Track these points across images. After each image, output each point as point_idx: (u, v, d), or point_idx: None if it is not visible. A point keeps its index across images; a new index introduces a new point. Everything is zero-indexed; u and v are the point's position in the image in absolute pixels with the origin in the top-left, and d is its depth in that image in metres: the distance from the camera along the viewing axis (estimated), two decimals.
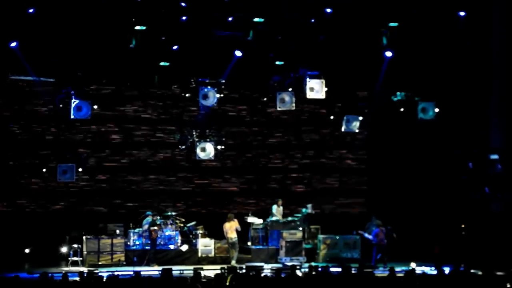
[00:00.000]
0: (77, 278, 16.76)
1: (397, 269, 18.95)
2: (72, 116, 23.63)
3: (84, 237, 24.18)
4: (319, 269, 17.97)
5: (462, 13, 23.97)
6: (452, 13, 23.95)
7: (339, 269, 17.75)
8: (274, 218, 26.12)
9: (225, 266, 21.35)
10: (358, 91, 27.56)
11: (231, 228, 24.33)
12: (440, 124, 25.38)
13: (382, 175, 28.19)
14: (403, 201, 27.04)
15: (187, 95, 26.13)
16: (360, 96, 27.47)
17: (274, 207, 26.49)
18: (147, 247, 24.59)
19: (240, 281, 15.60)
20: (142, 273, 17.78)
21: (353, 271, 16.89)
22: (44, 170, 25.73)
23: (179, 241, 25.20)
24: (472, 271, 17.15)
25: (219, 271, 18.93)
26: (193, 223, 25.73)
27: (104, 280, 15.80)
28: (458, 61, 25.09)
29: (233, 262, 23.73)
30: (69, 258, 23.80)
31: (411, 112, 25.18)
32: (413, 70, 25.23)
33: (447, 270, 17.14)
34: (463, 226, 25.98)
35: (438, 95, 25.10)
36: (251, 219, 26.03)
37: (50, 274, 16.28)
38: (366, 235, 24.56)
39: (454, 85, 25.53)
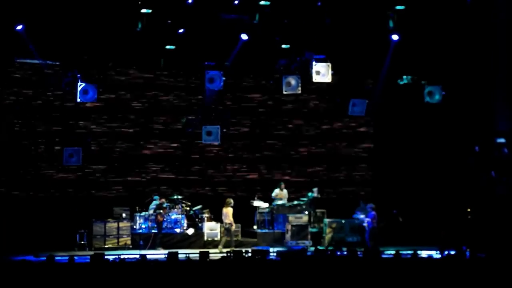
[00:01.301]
0: (86, 261, 16.81)
1: (403, 252, 18.94)
2: (78, 100, 23.65)
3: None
4: (328, 253, 18.01)
5: None
6: None
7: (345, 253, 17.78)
8: (279, 202, 26.13)
9: (230, 249, 21.38)
10: (364, 75, 27.46)
11: (226, 214, 24.35)
12: (446, 107, 25.32)
13: (388, 158, 28.14)
14: (409, 184, 27.01)
15: (192, 78, 26.10)
16: (366, 79, 27.37)
17: (276, 190, 26.46)
18: (153, 231, 24.66)
19: (246, 265, 15.64)
20: (148, 256, 17.87)
21: (359, 255, 16.92)
22: (50, 153, 25.72)
23: (185, 224, 25.26)
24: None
25: (225, 255, 18.96)
26: (199, 206, 25.79)
27: (110, 263, 15.83)
28: (465, 44, 24.98)
29: (220, 248, 23.72)
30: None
31: (418, 96, 25.14)
32: (419, 53, 25.14)
33: (452, 253, 17.15)
34: (469, 209, 25.97)
35: (444, 79, 25.02)
36: (256, 203, 26.06)
37: (57, 258, 16.33)
38: (362, 217, 24.51)
39: (461, 68, 25.44)
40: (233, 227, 24.42)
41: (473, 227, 24.74)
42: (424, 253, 20.26)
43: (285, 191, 26.54)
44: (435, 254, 20.55)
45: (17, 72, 25.90)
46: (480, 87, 25.77)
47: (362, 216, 24.50)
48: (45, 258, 16.42)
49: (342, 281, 14.43)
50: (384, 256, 19.84)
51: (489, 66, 25.44)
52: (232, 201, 24.65)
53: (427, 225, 25.30)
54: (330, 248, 23.06)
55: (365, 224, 24.12)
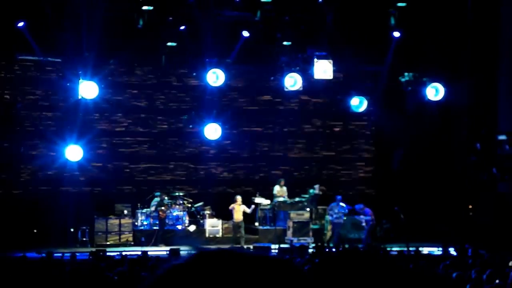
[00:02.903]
0: (87, 257, 16.83)
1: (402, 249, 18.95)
2: (79, 96, 23.66)
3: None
4: (326, 249, 18.03)
5: None
6: None
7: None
8: (281, 199, 26.12)
9: (234, 246, 21.39)
10: (366, 72, 27.44)
11: (234, 210, 24.32)
12: (448, 104, 25.34)
13: (389, 155, 28.10)
14: (411, 182, 26.98)
15: (193, 74, 26.10)
16: (368, 76, 27.36)
17: (276, 187, 26.42)
18: (155, 227, 24.67)
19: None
20: (150, 253, 17.89)
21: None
22: (52, 149, 25.73)
23: (187, 221, 25.27)
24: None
25: None
26: (200, 203, 25.79)
27: (112, 260, 15.85)
28: (467, 41, 24.98)
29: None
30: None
31: (419, 93, 25.17)
32: (421, 50, 25.15)
33: (452, 250, 17.17)
34: (470, 206, 25.98)
35: (446, 76, 25.04)
36: (258, 200, 26.03)
37: (58, 254, 16.36)
38: (362, 216, 24.56)
39: (462, 66, 25.44)
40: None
41: (475, 225, 24.76)
42: (426, 250, 20.27)
43: (284, 188, 26.50)
44: (437, 251, 20.55)
45: (18, 69, 25.88)
46: (482, 85, 25.78)
47: (361, 216, 24.55)
48: (45, 254, 16.44)
49: (341, 277, 14.44)
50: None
51: (490, 63, 25.46)
52: (238, 197, 24.59)
53: (429, 223, 25.28)
54: (331, 244, 23.11)
55: (364, 224, 24.18)
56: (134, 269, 14.15)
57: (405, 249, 18.58)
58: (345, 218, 25.51)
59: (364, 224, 24.22)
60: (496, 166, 25.18)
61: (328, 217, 24.83)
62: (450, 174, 26.39)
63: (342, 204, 24.67)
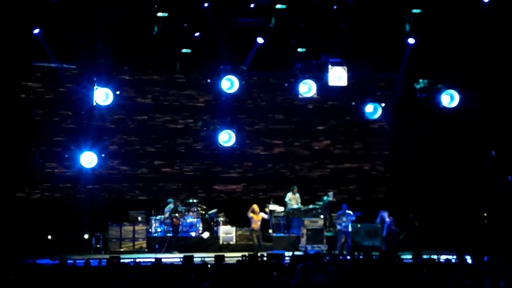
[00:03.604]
0: (102, 264, 16.82)
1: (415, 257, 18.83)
2: (94, 103, 23.72)
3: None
4: (340, 257, 17.95)
5: (486, 0, 23.70)
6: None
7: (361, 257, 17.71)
8: (294, 206, 26.08)
9: (246, 253, 21.34)
10: (380, 78, 27.38)
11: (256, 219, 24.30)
12: (463, 111, 25.22)
13: (404, 162, 28.00)
14: (426, 189, 26.88)
15: (208, 80, 26.13)
16: (382, 83, 27.29)
17: (289, 194, 26.38)
18: (168, 234, 24.66)
19: (261, 269, 15.60)
20: (163, 260, 17.86)
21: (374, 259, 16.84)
22: (66, 156, 25.80)
23: (201, 228, 25.26)
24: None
25: (240, 258, 18.93)
26: (214, 210, 25.77)
27: (126, 267, 15.84)
28: (482, 47, 24.86)
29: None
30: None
31: (434, 100, 25.07)
32: (436, 57, 25.05)
33: (469, 258, 17.05)
34: (485, 214, 25.84)
35: (461, 83, 24.93)
36: (272, 207, 26.00)
37: (71, 261, 16.36)
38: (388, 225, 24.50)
39: (477, 72, 25.32)
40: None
41: (490, 232, 24.62)
42: (441, 258, 20.13)
43: (297, 195, 26.46)
44: (452, 259, 20.41)
45: (33, 76, 25.96)
46: (497, 91, 25.65)
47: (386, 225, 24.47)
48: (58, 261, 16.44)
49: (358, 285, 14.39)
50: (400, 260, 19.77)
51: (506, 69, 25.32)
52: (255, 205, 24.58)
53: (444, 230, 25.17)
54: (344, 252, 23.03)
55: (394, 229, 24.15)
56: (147, 276, 14.15)
57: (419, 257, 18.44)
58: (359, 225, 25.46)
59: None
60: (511, 173, 25.05)
61: (337, 226, 24.75)
62: (465, 181, 26.26)
63: (348, 211, 24.60)
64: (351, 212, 24.61)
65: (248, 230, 24.60)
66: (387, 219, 24.76)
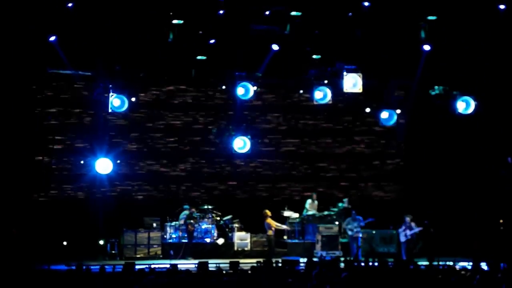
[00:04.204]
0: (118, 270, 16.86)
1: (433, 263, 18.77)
2: (109, 110, 23.81)
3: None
4: (355, 264, 17.92)
5: (502, 6, 23.62)
6: (492, 6, 23.64)
7: (376, 264, 17.67)
8: (310, 212, 26.09)
9: (261, 259, 21.32)
10: (396, 85, 27.32)
11: (269, 224, 24.35)
12: (479, 118, 25.14)
13: (420, 169, 27.94)
14: (441, 196, 26.80)
15: (223, 87, 26.18)
16: (398, 90, 27.23)
17: (308, 201, 26.43)
18: (183, 240, 24.70)
19: (276, 275, 15.61)
20: (178, 266, 17.88)
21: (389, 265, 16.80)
22: (82, 162, 25.88)
23: (215, 234, 25.27)
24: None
25: (255, 265, 18.92)
26: (229, 216, 25.80)
27: (141, 273, 15.87)
28: (498, 54, 24.78)
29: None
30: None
31: (449, 106, 25.00)
32: (451, 64, 24.99)
33: (484, 265, 16.97)
34: (501, 221, 25.72)
35: (477, 89, 24.85)
36: (287, 213, 26.03)
37: (85, 267, 16.40)
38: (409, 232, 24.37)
39: (494, 79, 25.24)
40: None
41: (506, 238, 24.50)
42: (457, 265, 20.04)
43: (316, 202, 26.47)
44: (468, 266, 20.33)
45: (49, 83, 26.11)
46: None
47: (407, 231, 24.31)
48: (75, 267, 16.49)
49: None
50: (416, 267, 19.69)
51: None
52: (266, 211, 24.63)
53: (460, 237, 25.07)
54: (361, 259, 22.95)
55: (404, 238, 24.04)
56: (162, 282, 14.17)
57: (435, 263, 18.38)
58: (374, 231, 25.41)
59: (403, 239, 24.15)
60: None
61: (348, 232, 24.70)
62: (481, 188, 26.16)
63: (358, 217, 24.58)
64: (360, 218, 24.58)
65: (264, 236, 24.64)
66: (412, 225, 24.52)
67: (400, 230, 24.37)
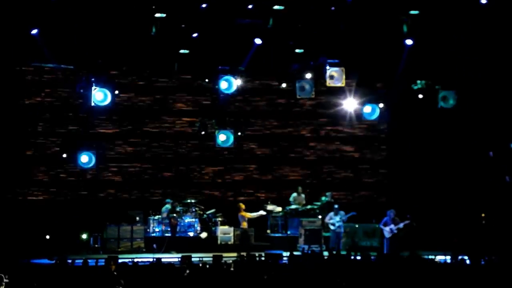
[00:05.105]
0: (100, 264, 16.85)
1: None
2: (92, 104, 23.74)
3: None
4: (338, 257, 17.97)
5: (483, 0, 23.70)
6: (474, 0, 23.73)
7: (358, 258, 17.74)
8: (293, 206, 26.14)
9: (244, 253, 21.35)
10: (378, 79, 27.40)
11: (243, 217, 24.59)
12: (461, 112, 25.26)
13: (402, 163, 28.05)
14: (423, 190, 26.93)
15: (206, 80, 26.15)
16: (380, 84, 27.31)
17: (294, 195, 26.50)
18: (166, 234, 24.69)
19: (259, 269, 15.64)
20: (161, 260, 17.89)
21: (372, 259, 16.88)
22: (64, 155, 25.80)
23: (199, 228, 25.28)
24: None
25: (238, 259, 18.95)
26: (212, 210, 25.80)
27: (124, 267, 15.86)
28: (480, 48, 24.89)
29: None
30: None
31: (432, 101, 25.09)
32: (433, 58, 25.08)
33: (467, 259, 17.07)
34: (483, 215, 25.87)
35: (458, 84, 24.96)
36: (270, 207, 26.06)
37: (70, 260, 16.39)
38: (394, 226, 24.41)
39: (475, 73, 25.35)
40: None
41: (488, 233, 24.64)
42: (437, 258, 20.17)
43: (303, 195, 26.52)
44: (447, 259, 20.46)
45: (32, 76, 26.01)
46: (495, 92, 25.68)
47: (392, 226, 24.33)
48: (57, 261, 16.45)
49: (355, 285, 14.41)
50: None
51: (505, 70, 25.35)
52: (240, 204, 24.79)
53: (441, 231, 25.19)
54: (343, 252, 23.02)
55: (388, 234, 24.02)
56: (146, 275, 14.17)
57: (417, 256, 18.47)
58: (357, 225, 25.48)
59: (388, 234, 24.14)
60: (509, 174, 25.08)
61: (331, 227, 24.75)
62: (463, 182, 26.30)
63: (341, 212, 24.64)
64: (343, 213, 24.65)
65: (238, 229, 24.72)
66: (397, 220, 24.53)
67: (382, 225, 24.33)
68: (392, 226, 24.19)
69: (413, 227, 24.48)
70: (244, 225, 24.74)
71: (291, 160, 28.66)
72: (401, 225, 24.08)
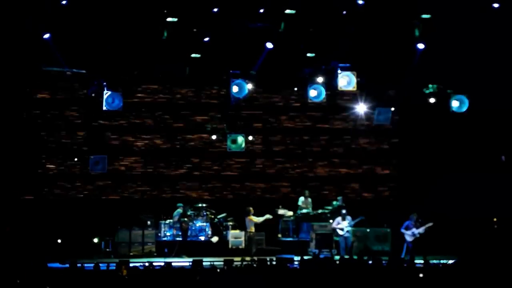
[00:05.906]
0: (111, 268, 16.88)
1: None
2: (104, 108, 23.80)
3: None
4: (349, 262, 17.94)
5: (496, 5, 23.66)
6: (486, 4, 23.69)
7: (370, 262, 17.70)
8: (304, 211, 26.13)
9: (255, 257, 21.38)
10: (390, 83, 27.35)
11: (250, 221, 24.58)
12: (472, 116, 25.18)
13: (413, 167, 27.97)
14: (435, 193, 26.83)
15: (218, 86, 26.22)
16: (392, 88, 27.26)
17: (301, 199, 26.47)
18: (177, 238, 24.71)
19: (270, 273, 15.64)
20: (173, 264, 17.90)
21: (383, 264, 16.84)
22: (75, 159, 25.87)
23: (210, 232, 25.29)
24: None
25: (249, 263, 18.95)
26: (223, 214, 25.81)
27: (137, 271, 15.90)
28: (492, 52, 24.82)
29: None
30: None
31: (443, 105, 25.03)
32: (445, 62, 25.02)
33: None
34: (495, 219, 25.77)
35: (470, 88, 24.89)
36: (281, 211, 26.04)
37: (80, 264, 16.41)
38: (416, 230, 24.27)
39: (487, 77, 25.28)
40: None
41: (499, 238, 24.56)
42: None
43: (309, 199, 26.51)
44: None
45: (44, 80, 26.11)
46: (507, 96, 25.61)
47: (414, 230, 24.20)
48: (68, 265, 16.49)
49: None
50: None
51: None
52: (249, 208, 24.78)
53: (450, 235, 25.09)
54: (354, 257, 22.98)
55: (410, 237, 23.92)
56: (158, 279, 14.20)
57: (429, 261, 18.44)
58: (368, 230, 25.41)
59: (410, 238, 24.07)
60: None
61: (339, 232, 24.71)
62: (473, 187, 26.20)
63: (348, 217, 24.62)
64: (350, 218, 24.63)
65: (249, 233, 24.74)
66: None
67: (404, 229, 24.20)
68: (414, 230, 24.09)
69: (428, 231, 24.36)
70: (252, 229, 24.69)
71: (302, 163, 28.63)
72: (422, 229, 23.98)
